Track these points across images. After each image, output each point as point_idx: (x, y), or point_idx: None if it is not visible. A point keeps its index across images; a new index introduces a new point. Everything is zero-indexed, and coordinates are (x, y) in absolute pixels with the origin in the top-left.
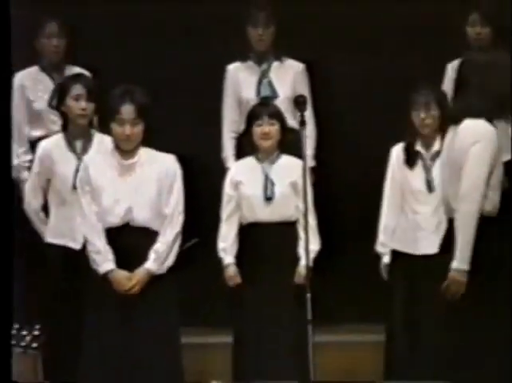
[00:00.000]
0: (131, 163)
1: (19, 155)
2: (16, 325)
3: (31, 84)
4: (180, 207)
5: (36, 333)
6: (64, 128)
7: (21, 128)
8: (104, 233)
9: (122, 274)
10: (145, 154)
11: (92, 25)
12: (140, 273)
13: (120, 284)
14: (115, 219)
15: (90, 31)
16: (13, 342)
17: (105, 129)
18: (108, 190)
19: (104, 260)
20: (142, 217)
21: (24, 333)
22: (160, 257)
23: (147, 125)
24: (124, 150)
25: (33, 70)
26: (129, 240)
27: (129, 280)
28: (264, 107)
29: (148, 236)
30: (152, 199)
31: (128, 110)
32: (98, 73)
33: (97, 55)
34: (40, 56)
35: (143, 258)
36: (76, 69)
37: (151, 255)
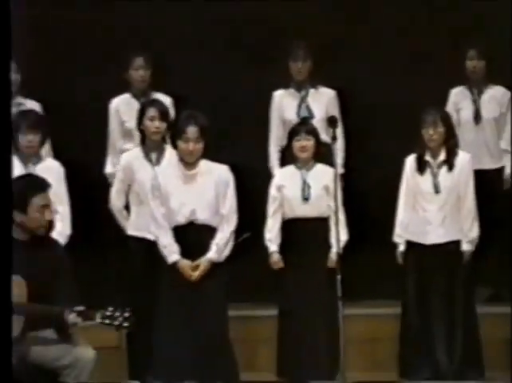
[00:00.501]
0: (194, 173)
1: (114, 165)
2: (110, 308)
3: (124, 108)
4: (234, 207)
5: (127, 314)
6: (143, 143)
7: (116, 143)
8: (170, 230)
9: (186, 264)
10: (204, 165)
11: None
12: (203, 262)
13: (185, 271)
14: (181, 219)
15: (172, 60)
16: (108, 322)
17: (174, 145)
18: (175, 195)
19: (170, 253)
20: (203, 217)
21: (117, 314)
22: (220, 249)
23: (207, 142)
24: (188, 162)
25: (126, 97)
26: (193, 235)
27: (193, 268)
28: (302, 126)
29: (208, 232)
30: (211, 202)
31: (192, 130)
32: (176, 96)
33: (175, 81)
34: (130, 85)
35: (205, 249)
36: (158, 95)
37: (213, 247)
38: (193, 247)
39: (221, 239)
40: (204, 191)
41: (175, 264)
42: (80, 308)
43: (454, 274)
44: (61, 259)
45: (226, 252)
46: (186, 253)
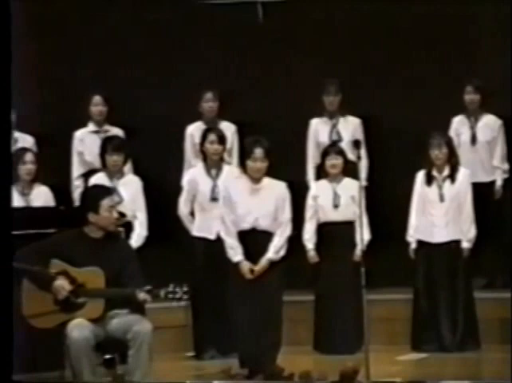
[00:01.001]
0: (258, 188)
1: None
2: (172, 285)
3: (197, 133)
4: (289, 217)
5: (185, 289)
6: (204, 161)
7: (190, 161)
8: (236, 234)
9: (246, 265)
10: (267, 181)
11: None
12: (263, 261)
13: (245, 271)
14: (246, 225)
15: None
16: (171, 296)
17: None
18: (241, 205)
19: (235, 254)
20: (264, 224)
21: (177, 290)
22: (277, 250)
23: (270, 162)
24: (254, 178)
25: (198, 124)
26: (254, 239)
27: (253, 267)
28: (332, 147)
29: (267, 236)
30: (271, 212)
31: (258, 152)
32: (239, 124)
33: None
34: (202, 114)
35: (264, 250)
36: (225, 123)
37: (271, 249)
38: (254, 248)
39: (278, 242)
40: (266, 203)
41: (238, 263)
42: (148, 287)
43: (456, 266)
44: (128, 250)
45: (282, 253)
46: (247, 253)
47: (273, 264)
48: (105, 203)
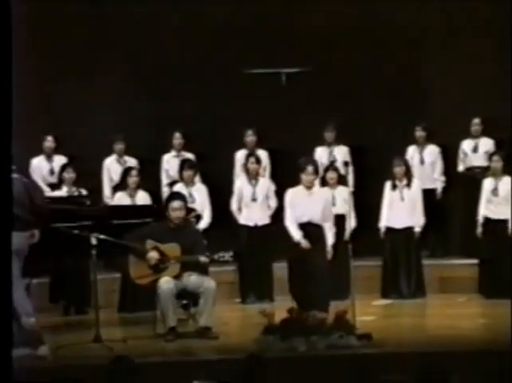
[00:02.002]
0: (311, 193)
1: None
2: (222, 251)
3: (242, 157)
4: (332, 213)
5: (231, 254)
6: (247, 174)
7: (238, 175)
8: (296, 224)
9: (305, 243)
10: (317, 188)
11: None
12: (329, 246)
13: (305, 244)
14: (305, 219)
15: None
16: (222, 259)
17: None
18: (300, 205)
19: (296, 235)
20: (317, 218)
21: (225, 255)
22: (332, 237)
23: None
24: (307, 187)
25: (243, 151)
26: (310, 229)
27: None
28: (331, 166)
29: (318, 227)
30: (320, 211)
31: (310, 168)
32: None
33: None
34: (245, 144)
35: (316, 235)
36: (261, 151)
37: (330, 238)
38: (309, 234)
39: (331, 231)
40: (317, 204)
41: (298, 243)
42: (207, 254)
43: (410, 243)
44: (196, 232)
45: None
46: (306, 237)
47: (324, 244)
48: (172, 205)
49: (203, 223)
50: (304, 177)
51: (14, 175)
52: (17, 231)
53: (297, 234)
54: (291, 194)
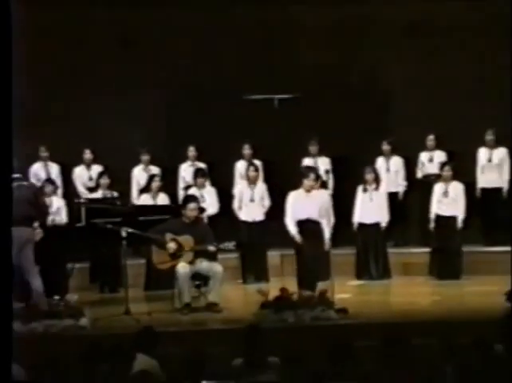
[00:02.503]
0: (310, 195)
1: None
2: (226, 241)
3: (241, 166)
4: (331, 212)
5: (233, 243)
6: (247, 180)
7: (238, 180)
8: (295, 221)
9: (298, 238)
10: (315, 191)
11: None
12: (327, 240)
13: (299, 239)
14: (303, 216)
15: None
16: (226, 248)
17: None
18: (299, 205)
19: (293, 231)
20: (315, 216)
21: (229, 244)
22: (329, 232)
23: (317, 181)
24: (307, 190)
25: (242, 162)
26: (308, 226)
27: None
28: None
29: (317, 224)
30: (318, 209)
31: (312, 175)
32: (264, 161)
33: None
34: (244, 155)
35: (313, 231)
36: (257, 161)
37: (327, 233)
38: (307, 230)
39: (328, 227)
40: (315, 203)
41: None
42: (215, 244)
43: (378, 235)
44: (206, 227)
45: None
46: (302, 232)
47: (322, 237)
48: (189, 206)
49: (211, 211)
50: (305, 182)
51: (24, 183)
52: (26, 227)
53: (293, 230)
54: (292, 196)
